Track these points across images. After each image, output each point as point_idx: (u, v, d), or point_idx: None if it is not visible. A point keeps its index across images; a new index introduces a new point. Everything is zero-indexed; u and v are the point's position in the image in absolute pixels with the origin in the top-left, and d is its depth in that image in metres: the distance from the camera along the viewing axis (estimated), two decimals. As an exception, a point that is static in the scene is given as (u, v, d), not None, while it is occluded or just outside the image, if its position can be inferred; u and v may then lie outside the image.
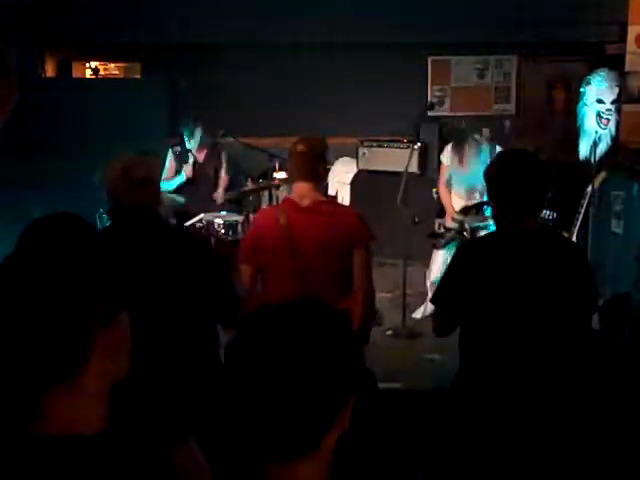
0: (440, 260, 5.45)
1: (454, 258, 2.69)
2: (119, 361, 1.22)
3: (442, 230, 5.49)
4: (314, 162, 3.17)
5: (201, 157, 6.10)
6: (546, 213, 4.70)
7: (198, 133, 5.96)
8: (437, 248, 5.53)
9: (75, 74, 8.18)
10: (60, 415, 1.13)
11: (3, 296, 1.12)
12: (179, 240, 2.77)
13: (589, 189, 5.19)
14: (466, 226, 5.21)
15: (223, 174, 6.11)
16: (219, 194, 5.97)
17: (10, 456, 1.09)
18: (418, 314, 5.51)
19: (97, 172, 2.79)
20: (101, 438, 1.16)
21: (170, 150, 6.05)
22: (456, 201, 5.49)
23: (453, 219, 5.33)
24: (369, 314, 3.22)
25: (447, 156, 5.53)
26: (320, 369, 1.06)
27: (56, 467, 1.08)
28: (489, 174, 2.66)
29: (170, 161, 6.02)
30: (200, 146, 6.04)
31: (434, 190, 5.77)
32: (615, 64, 6.17)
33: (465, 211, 5.36)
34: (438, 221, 5.54)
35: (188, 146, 5.97)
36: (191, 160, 6.00)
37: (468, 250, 2.75)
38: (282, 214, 3.11)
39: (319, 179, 3.22)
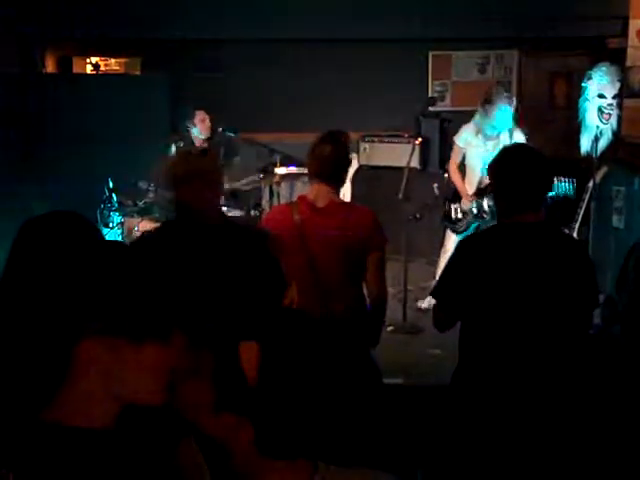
0: (455, 244, 5.45)
1: (456, 252, 2.69)
2: (139, 383, 1.21)
3: (460, 215, 5.44)
4: (338, 167, 3.13)
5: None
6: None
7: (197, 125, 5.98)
8: (456, 232, 5.48)
9: (76, 70, 8.17)
10: (59, 405, 1.16)
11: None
12: (240, 237, 2.72)
13: (590, 184, 5.19)
14: (485, 207, 5.19)
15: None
16: None
17: (18, 441, 1.12)
18: (425, 303, 5.48)
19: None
20: (105, 433, 1.18)
21: (173, 145, 6.04)
22: (469, 176, 5.45)
23: (470, 200, 5.32)
24: (380, 317, 3.21)
25: (463, 138, 5.44)
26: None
27: (54, 454, 1.10)
28: (493, 169, 2.66)
29: None
30: (198, 140, 6.06)
31: (435, 185, 5.76)
32: (616, 58, 6.15)
33: (481, 193, 5.33)
34: (454, 206, 5.50)
35: (195, 134, 5.98)
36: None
37: (469, 244, 2.75)
38: (296, 212, 3.09)
39: (340, 183, 3.18)
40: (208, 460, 1.63)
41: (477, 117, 5.31)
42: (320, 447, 1.21)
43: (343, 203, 3.26)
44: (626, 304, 3.02)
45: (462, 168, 5.54)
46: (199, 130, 6.05)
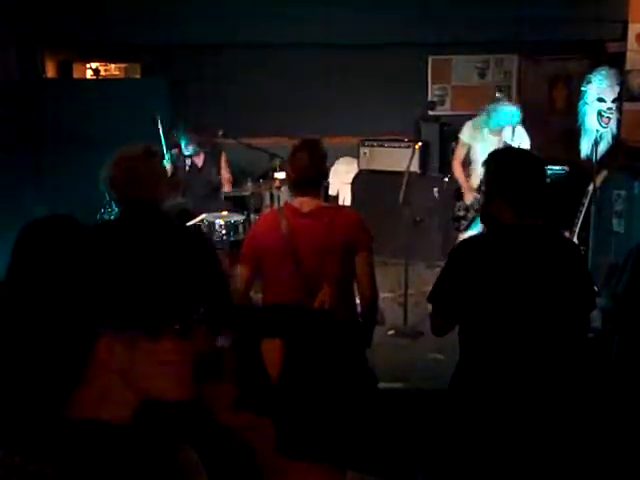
0: None
1: (451, 255, 2.67)
2: (160, 378, 1.21)
3: (463, 212, 5.50)
4: (315, 174, 3.15)
5: (199, 162, 6.12)
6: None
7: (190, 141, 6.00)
8: (460, 231, 5.52)
9: (76, 75, 8.20)
10: (77, 403, 1.17)
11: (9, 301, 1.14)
12: (179, 236, 2.71)
13: (590, 188, 5.19)
14: None
15: (226, 174, 6.14)
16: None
17: (36, 435, 1.12)
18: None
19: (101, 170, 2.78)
20: (121, 428, 1.18)
21: (168, 153, 6.06)
22: (475, 170, 5.52)
23: (472, 195, 5.38)
24: (373, 317, 3.23)
25: (467, 133, 5.57)
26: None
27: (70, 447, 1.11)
28: (495, 174, 2.63)
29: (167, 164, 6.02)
30: (197, 152, 6.07)
31: (434, 189, 5.78)
32: (616, 62, 6.16)
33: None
34: (458, 204, 5.56)
35: (185, 152, 6.00)
36: (188, 163, 6.02)
37: (466, 247, 2.73)
38: (283, 219, 3.11)
39: (320, 189, 3.21)
40: (225, 459, 1.63)
41: (481, 118, 5.47)
42: (339, 450, 1.19)
43: (328, 206, 3.30)
44: (620, 296, 3.04)
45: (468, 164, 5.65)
46: (189, 142, 6.06)
